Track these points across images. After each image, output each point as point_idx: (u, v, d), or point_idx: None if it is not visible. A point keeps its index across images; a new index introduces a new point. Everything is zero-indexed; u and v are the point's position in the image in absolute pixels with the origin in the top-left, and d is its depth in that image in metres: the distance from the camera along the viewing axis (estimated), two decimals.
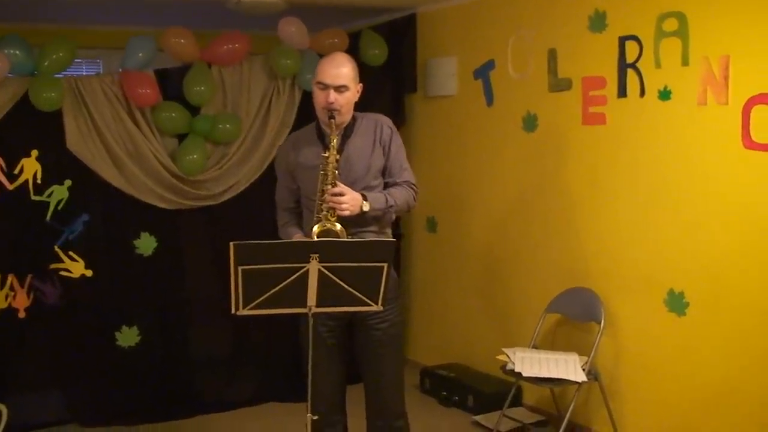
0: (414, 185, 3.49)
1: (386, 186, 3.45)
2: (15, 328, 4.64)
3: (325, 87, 3.31)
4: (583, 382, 4.13)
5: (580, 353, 4.32)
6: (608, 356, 4.39)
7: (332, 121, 3.28)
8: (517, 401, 4.88)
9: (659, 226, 4.14)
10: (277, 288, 2.72)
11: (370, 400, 3.49)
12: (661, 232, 4.13)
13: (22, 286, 4.63)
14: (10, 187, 4.56)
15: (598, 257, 4.47)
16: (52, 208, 4.66)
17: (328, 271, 2.75)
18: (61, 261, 4.71)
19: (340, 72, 3.31)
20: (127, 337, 4.89)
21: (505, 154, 5.04)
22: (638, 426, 4.29)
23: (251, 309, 2.77)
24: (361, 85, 3.42)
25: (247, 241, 2.68)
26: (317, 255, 2.73)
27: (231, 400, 5.12)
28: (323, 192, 3.23)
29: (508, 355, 4.35)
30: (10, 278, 4.60)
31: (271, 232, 5.10)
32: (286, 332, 5.09)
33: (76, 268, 4.74)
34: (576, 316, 4.51)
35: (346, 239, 3.07)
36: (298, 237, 3.35)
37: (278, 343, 5.18)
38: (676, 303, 4.06)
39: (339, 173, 3.29)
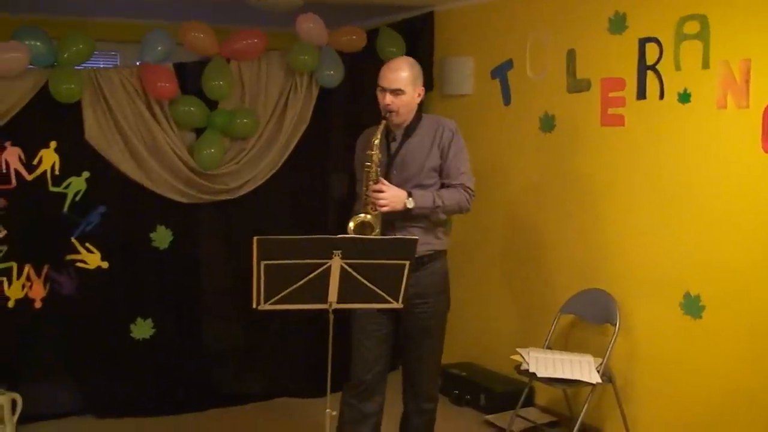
0: (469, 188, 3.61)
1: (443, 187, 3.59)
2: (31, 318, 4.66)
3: (383, 90, 3.51)
4: (597, 383, 4.13)
5: (595, 355, 4.32)
6: (623, 358, 4.39)
7: (384, 121, 3.48)
8: (529, 401, 4.88)
9: (676, 229, 4.13)
10: (299, 283, 2.73)
11: (407, 382, 3.73)
12: (678, 234, 4.13)
13: (38, 277, 4.65)
14: (29, 177, 4.58)
15: (614, 259, 4.46)
16: (69, 199, 4.68)
17: (351, 267, 2.76)
18: (78, 252, 4.73)
19: (397, 76, 3.51)
20: (142, 329, 4.91)
21: (522, 154, 5.04)
22: (652, 429, 4.29)
23: (273, 304, 2.78)
24: (422, 88, 3.62)
25: (270, 236, 2.69)
26: (340, 251, 2.75)
27: (244, 394, 5.14)
28: (367, 187, 3.41)
29: (522, 356, 4.35)
30: (27, 268, 4.62)
31: (286, 227, 5.19)
32: (301, 327, 5.14)
33: (92, 259, 4.77)
34: (591, 318, 4.51)
35: (368, 236, 3.09)
36: None
37: (292, 338, 5.21)
38: (693, 306, 4.06)
39: (395, 170, 3.50)
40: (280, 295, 2.77)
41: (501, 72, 5.15)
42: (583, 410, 4.25)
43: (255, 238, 2.69)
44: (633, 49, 4.29)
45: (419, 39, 5.59)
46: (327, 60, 5.13)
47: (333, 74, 5.14)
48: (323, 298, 2.84)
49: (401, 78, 3.52)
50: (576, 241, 4.68)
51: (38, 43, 4.47)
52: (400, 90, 3.50)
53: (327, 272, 2.76)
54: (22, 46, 4.40)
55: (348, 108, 5.28)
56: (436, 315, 3.63)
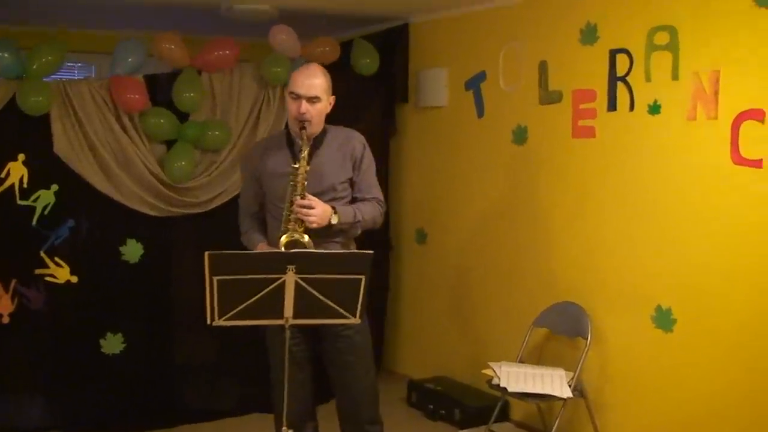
0: (382, 202, 3.56)
1: (354, 201, 3.49)
2: None
3: (298, 97, 3.35)
4: (569, 398, 4.09)
5: (567, 368, 4.28)
6: (595, 372, 4.35)
7: (303, 131, 3.32)
8: (504, 416, 4.84)
9: (647, 242, 4.10)
10: (253, 299, 2.68)
11: (341, 408, 3.52)
12: (648, 247, 4.10)
13: (6, 291, 4.58)
14: None
15: (585, 272, 4.43)
16: (38, 212, 4.62)
17: (305, 282, 2.72)
18: (47, 266, 4.67)
19: (313, 83, 3.35)
20: (112, 344, 4.84)
21: (494, 166, 5.01)
22: None
23: (227, 320, 2.74)
24: (333, 97, 3.47)
25: (222, 251, 2.65)
26: (294, 266, 2.70)
27: (215, 410, 5.07)
28: (292, 203, 3.25)
29: (494, 370, 4.31)
30: None
31: None
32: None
33: (61, 273, 4.70)
34: (563, 331, 4.47)
35: (323, 251, 3.04)
36: (262, 245, 3.38)
37: (263, 352, 5.12)
38: (664, 319, 4.02)
39: (308, 183, 3.32)
40: (234, 311, 2.72)
41: (475, 84, 5.12)
42: (555, 425, 4.22)
43: (206, 253, 2.65)
44: (604, 60, 4.28)
45: (394, 51, 5.57)
46: None
47: None
48: (279, 314, 2.79)
49: (317, 84, 3.36)
50: (549, 253, 4.65)
51: (6, 55, 4.43)
52: (316, 97, 3.35)
53: (282, 287, 2.71)
54: None
55: None
56: (359, 330, 3.37)
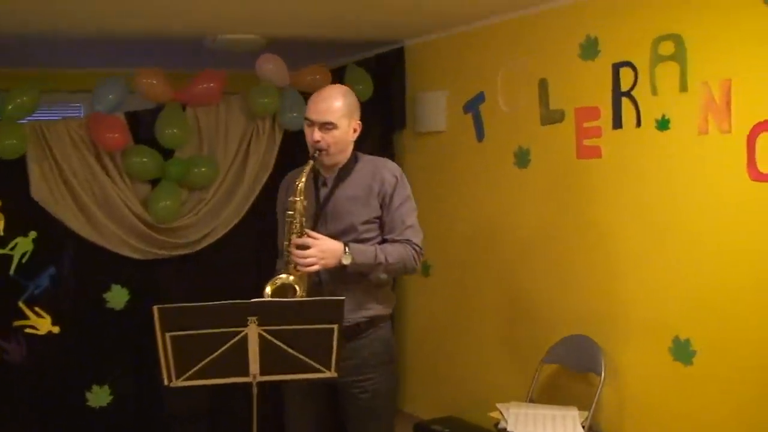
0: (417, 246, 3.08)
1: (384, 242, 3.08)
2: None
3: (311, 123, 3.03)
4: None
5: (582, 407, 3.97)
6: (611, 410, 4.03)
7: (311, 162, 3.00)
8: None
9: (661, 267, 3.79)
10: (212, 356, 2.40)
11: None
12: (663, 273, 3.78)
13: None
14: None
15: (596, 301, 4.12)
16: (15, 261, 4.39)
17: (270, 335, 2.43)
18: (26, 317, 4.43)
19: (328, 106, 3.00)
20: (99, 397, 4.59)
21: (497, 192, 4.72)
22: None
23: (186, 380, 2.46)
24: (359, 123, 3.11)
25: (172, 305, 2.38)
26: (256, 318, 2.42)
27: None
28: (290, 242, 2.95)
29: (501, 412, 4.00)
30: None
31: (251, 280, 4.87)
32: (270, 386, 4.80)
33: (42, 324, 4.47)
34: (575, 367, 4.16)
35: (287, 299, 2.75)
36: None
37: (262, 397, 4.86)
38: (682, 351, 3.70)
39: (325, 222, 3.03)
40: (193, 370, 2.45)
41: (473, 106, 4.85)
42: None
43: (154, 307, 2.39)
44: (607, 75, 3.99)
45: (390, 75, 5.33)
46: (289, 102, 4.86)
47: (296, 116, 4.84)
48: (244, 371, 2.51)
49: (333, 109, 2.99)
50: (558, 283, 4.34)
51: None
52: (331, 124, 2.98)
53: (244, 341, 2.43)
54: None
55: None
56: (380, 393, 3.08)
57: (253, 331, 2.42)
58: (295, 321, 2.47)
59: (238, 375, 2.53)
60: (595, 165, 4.09)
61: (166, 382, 2.51)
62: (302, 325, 2.46)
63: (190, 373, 2.46)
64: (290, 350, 2.46)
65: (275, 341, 2.45)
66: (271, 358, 2.49)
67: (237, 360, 2.48)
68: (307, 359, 2.50)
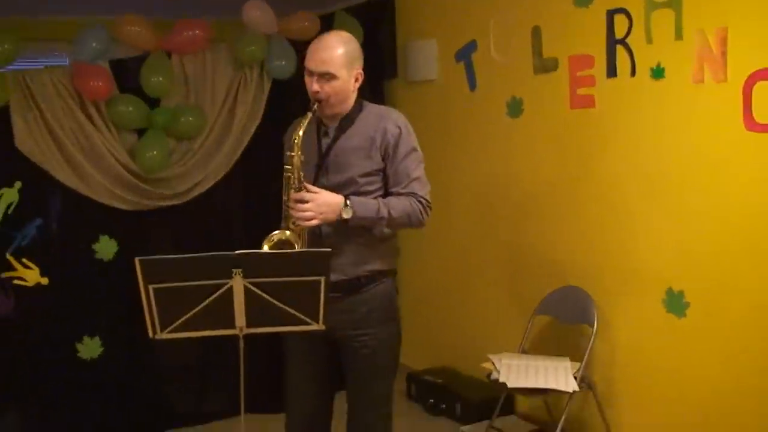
0: (423, 198, 2.98)
1: (388, 195, 2.98)
2: None
3: (310, 73, 2.92)
4: (575, 391, 3.76)
5: (573, 358, 3.96)
6: (603, 361, 4.02)
7: (309, 114, 2.90)
8: (509, 409, 4.53)
9: (655, 219, 3.76)
10: (197, 308, 2.36)
11: (349, 411, 3.15)
12: (656, 224, 3.75)
13: None
14: None
15: (589, 253, 4.09)
16: (1, 212, 4.32)
17: (255, 287, 2.39)
18: (14, 269, 4.37)
19: (327, 56, 2.87)
20: (90, 348, 4.55)
21: (489, 142, 4.66)
22: None
23: (171, 332, 2.43)
24: (360, 72, 2.98)
25: (154, 257, 2.33)
26: (240, 270, 2.37)
27: (204, 412, 4.81)
28: (288, 197, 2.88)
29: (493, 363, 4.00)
30: None
31: (241, 231, 4.84)
32: (261, 338, 4.78)
33: (30, 275, 4.41)
34: (567, 319, 4.14)
35: (273, 251, 2.70)
36: None
37: (252, 349, 4.83)
38: (676, 303, 3.68)
39: (326, 173, 2.95)
40: (177, 323, 2.41)
41: (465, 54, 4.76)
42: (562, 419, 3.90)
43: (136, 259, 2.34)
44: (601, 22, 3.91)
45: (380, 23, 5.22)
46: (277, 50, 4.76)
47: (285, 65, 4.77)
48: (230, 323, 2.47)
49: (333, 58, 2.85)
50: (550, 233, 4.31)
51: None
52: (329, 74, 2.85)
53: (229, 294, 2.39)
54: None
55: (304, 100, 4.86)
56: (382, 349, 2.99)
57: (238, 283, 2.38)
58: (281, 273, 2.42)
59: (224, 327, 2.50)
60: (588, 114, 4.03)
61: (150, 335, 2.48)
62: (288, 277, 2.42)
63: (174, 325, 2.43)
64: (276, 302, 2.42)
65: (261, 293, 2.40)
66: (257, 311, 2.45)
67: (223, 312, 2.44)
68: (294, 311, 2.46)
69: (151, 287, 2.34)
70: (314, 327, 2.53)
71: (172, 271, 2.36)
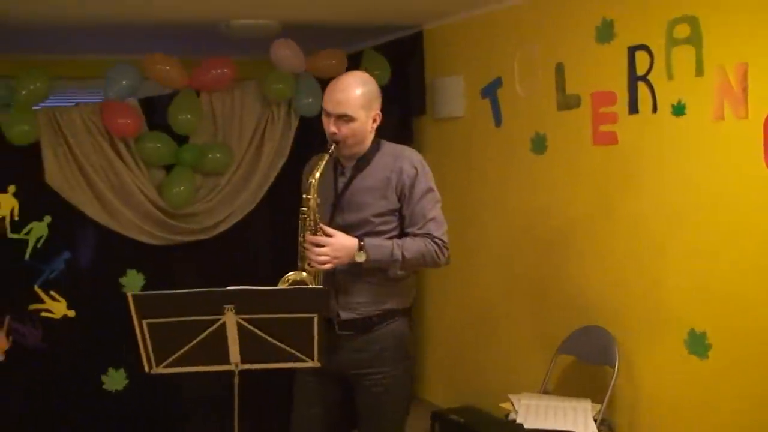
0: (439, 239, 2.93)
1: (403, 236, 2.95)
2: None
3: (328, 114, 2.92)
4: None
5: (596, 399, 3.88)
6: (625, 403, 3.93)
7: (324, 155, 2.91)
8: None
9: (677, 257, 3.68)
10: (191, 344, 2.37)
11: None
12: (678, 263, 3.68)
13: (0, 328, 4.39)
14: None
15: (611, 292, 4.02)
16: (31, 245, 4.41)
17: (248, 323, 2.39)
18: (42, 301, 4.45)
19: (343, 97, 2.87)
20: (115, 380, 4.61)
21: (514, 178, 4.63)
22: None
23: (166, 367, 2.44)
24: (379, 113, 2.97)
25: (147, 292, 2.36)
26: (233, 306, 2.38)
27: None
28: (304, 238, 2.89)
29: (512, 403, 3.93)
30: None
31: (266, 267, 4.86)
32: (283, 371, 4.78)
33: (57, 308, 4.49)
34: (589, 358, 4.06)
35: (266, 287, 2.70)
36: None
37: (275, 382, 4.84)
38: (698, 344, 3.59)
39: (343, 212, 2.95)
40: (172, 357, 2.43)
41: (491, 91, 4.76)
42: None
43: (129, 294, 2.36)
44: (622, 58, 3.88)
45: (409, 60, 5.25)
46: (305, 87, 4.81)
47: (312, 102, 4.80)
48: (226, 359, 2.48)
49: (350, 100, 2.84)
50: (572, 272, 4.25)
51: None
52: (347, 116, 2.84)
53: (222, 330, 2.40)
54: None
55: None
56: (394, 386, 2.96)
57: (230, 319, 2.39)
58: (273, 309, 2.42)
59: (219, 363, 2.51)
60: (611, 151, 3.98)
61: (146, 369, 2.50)
62: (281, 313, 2.41)
63: (169, 360, 2.44)
64: (269, 339, 2.42)
65: (253, 329, 2.41)
66: (251, 347, 2.45)
67: (217, 348, 2.45)
68: (287, 348, 2.46)
69: (144, 322, 2.36)
70: (309, 364, 2.52)
71: (165, 306, 2.38)
